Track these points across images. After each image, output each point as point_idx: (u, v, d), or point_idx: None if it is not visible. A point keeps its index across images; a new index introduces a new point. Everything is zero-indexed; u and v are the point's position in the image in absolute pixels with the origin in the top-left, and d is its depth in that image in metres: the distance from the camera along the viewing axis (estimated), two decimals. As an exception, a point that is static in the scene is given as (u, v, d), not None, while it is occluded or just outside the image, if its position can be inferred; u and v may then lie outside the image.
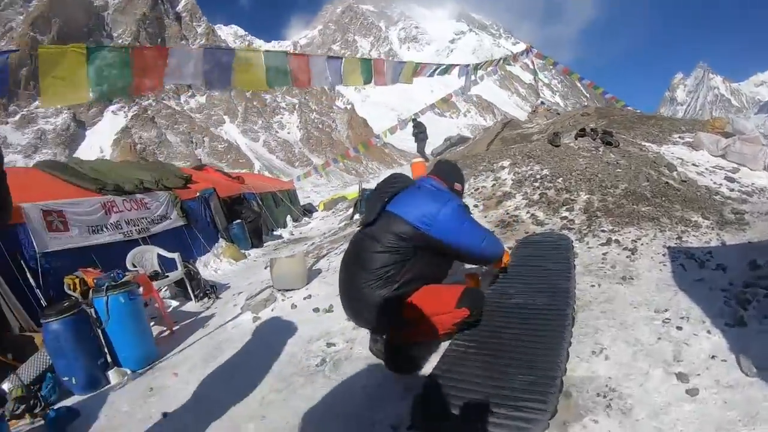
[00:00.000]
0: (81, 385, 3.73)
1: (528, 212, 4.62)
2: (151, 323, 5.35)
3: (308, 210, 16.36)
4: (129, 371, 3.91)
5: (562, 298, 2.60)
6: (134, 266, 5.92)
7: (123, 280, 4.19)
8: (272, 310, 4.29)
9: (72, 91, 3.81)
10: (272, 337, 3.56)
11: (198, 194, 9.55)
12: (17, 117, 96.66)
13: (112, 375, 3.83)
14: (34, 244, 5.30)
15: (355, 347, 2.89)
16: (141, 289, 5.15)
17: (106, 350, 4.00)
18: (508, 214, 4.71)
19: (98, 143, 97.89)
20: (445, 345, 2.51)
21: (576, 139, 6.27)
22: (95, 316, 4.04)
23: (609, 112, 9.29)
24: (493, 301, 2.79)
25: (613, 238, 3.71)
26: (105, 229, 6.64)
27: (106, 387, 3.74)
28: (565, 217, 4.33)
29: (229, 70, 4.82)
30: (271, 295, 4.63)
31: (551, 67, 17.26)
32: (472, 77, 9.67)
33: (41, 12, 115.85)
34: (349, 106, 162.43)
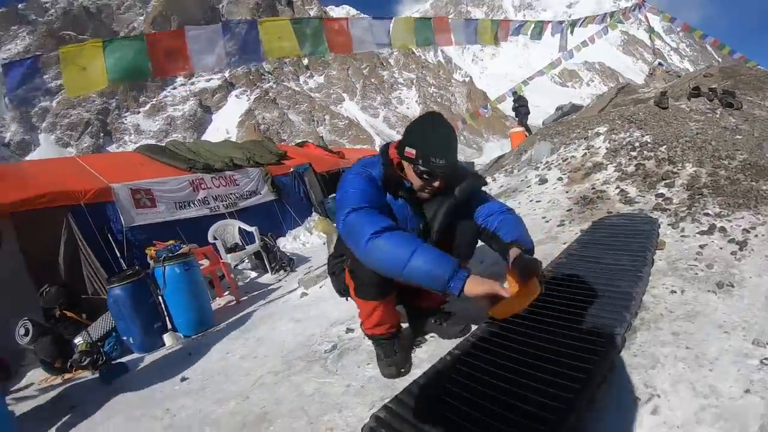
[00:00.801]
0: (137, 345, 4.15)
1: (617, 187, 3.95)
2: (225, 293, 5.70)
3: None
4: (182, 336, 4.21)
5: (617, 309, 1.92)
6: (215, 239, 6.29)
7: (179, 252, 4.36)
8: (320, 287, 4.25)
9: (91, 80, 4.23)
10: (304, 315, 3.53)
11: (292, 170, 9.93)
12: (147, 106, 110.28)
13: (167, 338, 4.15)
14: (121, 219, 6.01)
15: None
16: (206, 261, 5.48)
17: (165, 315, 4.35)
18: (593, 189, 4.09)
19: (224, 126, 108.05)
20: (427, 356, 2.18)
21: (688, 99, 5.24)
22: (155, 285, 4.34)
23: (736, 72, 7.69)
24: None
25: (718, 225, 2.85)
26: (192, 205, 7.24)
27: (161, 348, 4.08)
28: (662, 195, 3.60)
29: (257, 42, 4.83)
30: (324, 272, 4.58)
31: (668, 23, 14.92)
32: (569, 34, 8.58)
33: (159, 11, 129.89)
34: (467, 79, 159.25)
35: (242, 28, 4.77)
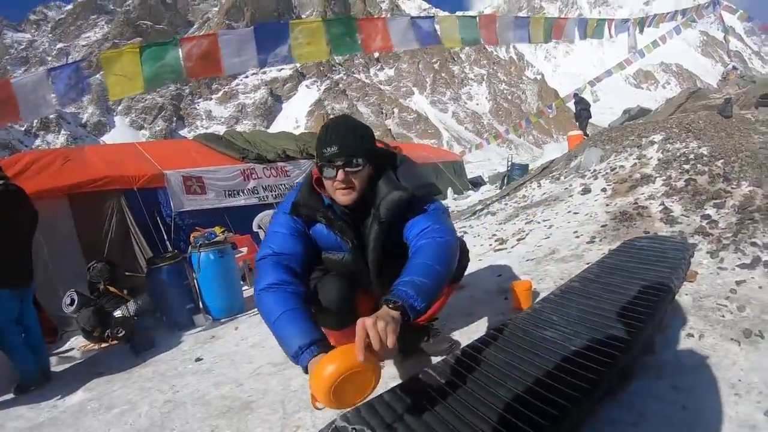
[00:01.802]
0: (170, 323, 4.52)
1: (662, 204, 3.78)
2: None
3: (476, 183, 16.21)
4: (211, 318, 4.53)
5: (610, 351, 1.69)
6: (259, 228, 6.60)
7: (215, 239, 4.67)
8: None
9: (130, 85, 4.60)
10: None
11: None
12: (219, 93, 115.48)
13: (197, 319, 4.49)
14: (171, 204, 6.50)
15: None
16: (245, 249, 5.79)
17: (197, 298, 4.71)
18: (635, 204, 3.95)
19: (293, 115, 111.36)
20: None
21: (756, 108, 4.88)
22: (191, 268, 4.71)
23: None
24: (507, 330, 2.03)
25: (764, 259, 2.51)
26: (241, 194, 7.65)
27: (191, 328, 4.42)
28: (708, 216, 3.41)
29: (286, 45, 5.04)
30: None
31: (745, 22, 13.75)
32: (638, 32, 8.13)
33: (233, 2, 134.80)
34: (539, 77, 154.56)
35: (273, 32, 5.00)
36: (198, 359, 3.29)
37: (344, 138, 1.67)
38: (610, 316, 1.95)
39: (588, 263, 2.92)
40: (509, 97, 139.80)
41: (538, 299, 2.43)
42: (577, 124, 15.40)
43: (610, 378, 1.59)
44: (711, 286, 2.30)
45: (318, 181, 1.80)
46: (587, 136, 13.32)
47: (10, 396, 3.33)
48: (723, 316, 2.00)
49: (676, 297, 2.16)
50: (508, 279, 3.06)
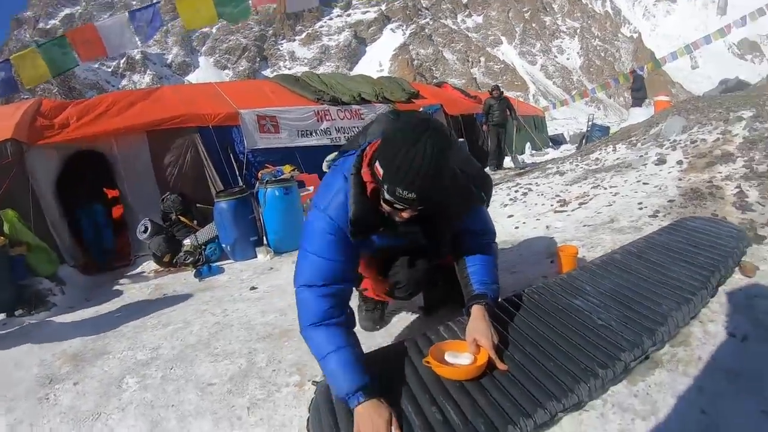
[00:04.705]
0: (233, 252, 4.88)
1: (738, 187, 3.45)
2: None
3: (556, 141, 15.91)
4: (273, 251, 4.81)
5: (638, 330, 1.66)
6: (329, 168, 6.79)
7: (281, 177, 4.89)
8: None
9: (202, 15, 4.86)
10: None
11: (421, 109, 10.08)
12: (303, 35, 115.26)
13: (259, 251, 4.83)
14: (245, 142, 6.82)
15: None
16: (312, 188, 6.01)
17: (261, 231, 5.01)
18: (710, 182, 3.65)
19: (377, 58, 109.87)
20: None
21: None
22: (257, 203, 4.99)
23: None
24: (537, 293, 2.01)
25: None
26: (313, 134, 7.86)
27: (252, 258, 4.77)
28: (787, 209, 3.11)
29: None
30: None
31: None
32: None
33: None
34: (635, 35, 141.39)
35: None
36: (253, 288, 3.56)
37: (426, 189, 1.44)
38: (645, 295, 1.86)
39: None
40: (602, 54, 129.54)
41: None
42: (631, 103, 14.48)
43: (628, 360, 1.56)
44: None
45: (374, 193, 1.60)
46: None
47: (83, 310, 3.82)
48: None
49: (724, 289, 1.99)
50: (559, 242, 3.02)
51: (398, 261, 1.89)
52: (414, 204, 1.48)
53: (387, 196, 1.49)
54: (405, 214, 1.55)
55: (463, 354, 1.63)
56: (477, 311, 1.69)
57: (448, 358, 1.63)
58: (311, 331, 1.61)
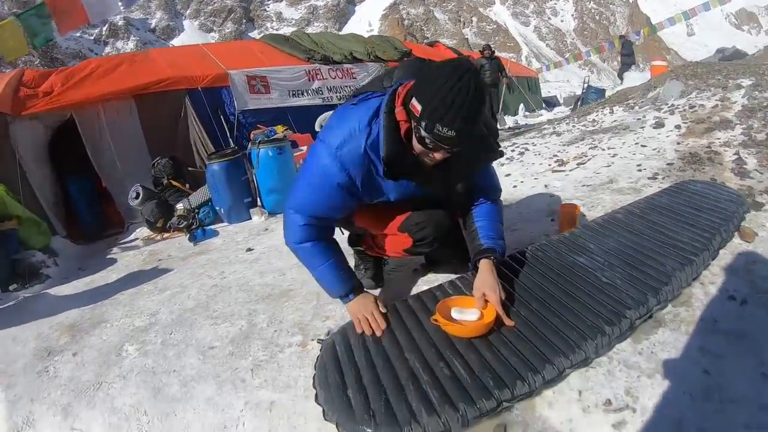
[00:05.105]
0: (227, 215, 4.82)
1: (736, 154, 3.44)
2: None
3: (550, 103, 15.80)
4: (267, 212, 4.76)
5: (643, 289, 1.68)
6: (321, 127, 6.67)
7: (274, 137, 4.79)
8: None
9: None
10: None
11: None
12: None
13: (254, 212, 4.77)
14: (235, 103, 6.71)
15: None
16: (305, 147, 5.93)
17: (255, 193, 4.96)
18: (708, 148, 3.64)
19: (367, 18, 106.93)
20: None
21: None
22: (250, 164, 4.92)
23: None
24: (541, 251, 2.01)
25: None
26: (305, 94, 7.74)
27: (246, 220, 4.73)
28: (784, 178, 3.10)
29: None
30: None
31: None
32: None
33: None
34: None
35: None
36: (249, 249, 3.52)
37: (467, 124, 1.39)
38: (648, 254, 1.88)
39: (643, 200, 2.84)
40: (596, 17, 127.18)
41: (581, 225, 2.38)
42: (618, 70, 14.75)
43: (634, 318, 1.57)
44: (768, 251, 2.08)
45: (407, 132, 1.53)
46: (621, 81, 12.56)
47: (77, 280, 3.78)
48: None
49: (725, 252, 2.01)
50: (559, 201, 3.01)
51: (423, 216, 1.86)
52: (452, 143, 1.42)
53: (424, 133, 1.42)
54: (438, 155, 1.49)
55: (469, 309, 1.63)
56: (485, 265, 1.70)
57: (454, 314, 1.63)
58: (298, 246, 1.79)
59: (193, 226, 4.62)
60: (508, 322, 1.58)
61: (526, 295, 1.73)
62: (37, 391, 2.07)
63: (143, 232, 5.05)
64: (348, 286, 1.79)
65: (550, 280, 1.80)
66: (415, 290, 2.13)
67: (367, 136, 1.55)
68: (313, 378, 1.59)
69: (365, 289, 1.86)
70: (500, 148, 1.83)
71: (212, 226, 4.66)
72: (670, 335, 1.58)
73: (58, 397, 2.00)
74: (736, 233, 2.14)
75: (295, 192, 1.73)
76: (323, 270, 1.78)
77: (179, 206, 4.88)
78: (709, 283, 1.83)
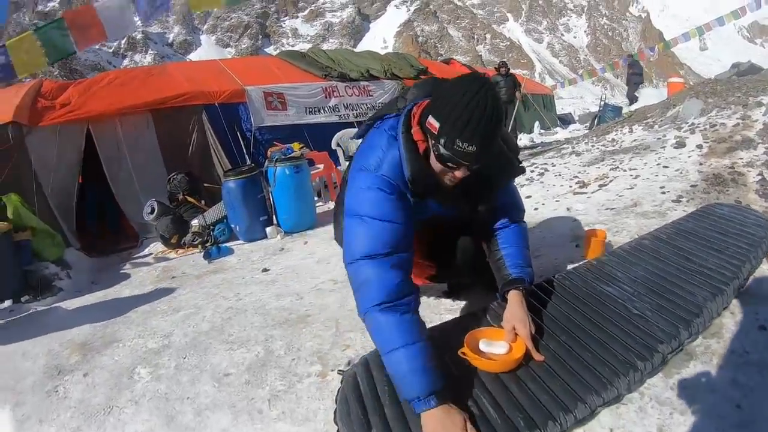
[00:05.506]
0: (242, 233, 4.80)
1: (760, 175, 3.38)
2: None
3: (565, 120, 15.77)
4: (283, 231, 4.75)
5: (673, 321, 1.61)
6: (338, 146, 6.71)
7: (291, 155, 4.78)
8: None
9: None
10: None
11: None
12: (306, 12, 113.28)
13: (269, 231, 4.75)
14: (252, 119, 6.74)
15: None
16: (322, 166, 5.91)
17: (271, 211, 4.92)
18: (731, 168, 3.56)
19: (381, 35, 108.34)
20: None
21: None
22: (267, 182, 4.91)
23: None
24: (568, 279, 1.94)
25: None
26: (322, 111, 7.76)
27: (262, 239, 4.71)
28: (821, 193, 3.03)
29: None
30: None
31: None
32: None
33: None
34: (644, 15, 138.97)
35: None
36: (265, 270, 3.49)
37: (487, 143, 1.38)
38: (677, 284, 1.80)
39: (669, 223, 2.76)
40: (609, 34, 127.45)
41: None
42: (627, 90, 14.66)
43: (666, 352, 1.51)
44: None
45: (425, 151, 1.51)
46: (632, 101, 12.66)
47: (90, 294, 3.78)
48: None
49: (753, 279, 1.94)
50: (582, 225, 2.96)
51: (448, 243, 1.82)
52: (472, 159, 1.39)
53: (443, 151, 1.39)
54: (458, 173, 1.45)
55: (497, 342, 1.57)
56: (514, 297, 1.64)
57: (482, 346, 1.56)
58: (377, 314, 1.41)
59: (208, 243, 4.62)
60: (537, 357, 1.51)
61: (555, 327, 1.67)
62: (46, 412, 2.03)
63: (157, 247, 5.05)
64: (430, 386, 1.33)
65: (578, 311, 1.73)
66: (438, 320, 2.07)
67: (393, 167, 1.51)
68: (334, 412, 1.53)
69: (450, 399, 1.36)
70: (521, 164, 1.79)
71: (227, 244, 4.65)
72: (701, 368, 1.53)
73: (67, 420, 1.96)
74: (764, 259, 2.04)
75: (353, 238, 1.50)
76: (402, 355, 1.37)
77: (194, 222, 4.88)
78: (739, 312, 1.77)
